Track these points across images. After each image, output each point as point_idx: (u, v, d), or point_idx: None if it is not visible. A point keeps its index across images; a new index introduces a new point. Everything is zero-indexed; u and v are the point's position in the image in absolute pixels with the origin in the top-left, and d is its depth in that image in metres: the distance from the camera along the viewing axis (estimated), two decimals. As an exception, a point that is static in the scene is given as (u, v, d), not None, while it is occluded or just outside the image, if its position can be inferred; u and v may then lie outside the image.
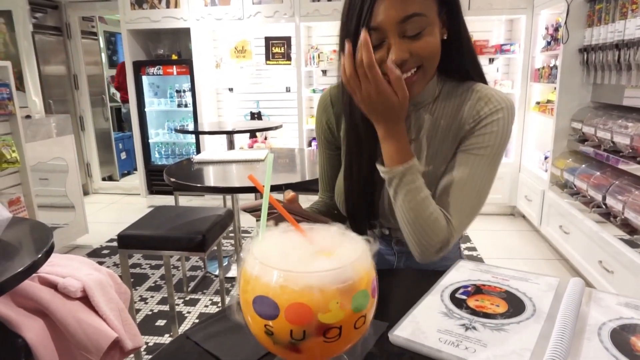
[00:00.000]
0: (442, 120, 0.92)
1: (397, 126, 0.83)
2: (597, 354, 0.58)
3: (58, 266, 1.43)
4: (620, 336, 0.62)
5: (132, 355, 1.89)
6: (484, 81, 0.93)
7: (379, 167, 0.87)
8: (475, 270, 0.85)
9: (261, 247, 0.54)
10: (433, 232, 0.84)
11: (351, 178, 0.96)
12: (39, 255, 1.11)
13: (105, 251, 3.34)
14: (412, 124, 0.94)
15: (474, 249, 3.24)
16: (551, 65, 3.33)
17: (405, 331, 0.66)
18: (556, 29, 3.28)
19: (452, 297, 0.75)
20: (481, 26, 3.96)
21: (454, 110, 0.91)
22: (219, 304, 2.51)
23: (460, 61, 0.90)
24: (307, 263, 0.51)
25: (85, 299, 1.37)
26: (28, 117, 3.12)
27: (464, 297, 0.74)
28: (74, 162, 3.39)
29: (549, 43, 3.41)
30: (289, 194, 0.84)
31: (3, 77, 2.62)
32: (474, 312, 0.69)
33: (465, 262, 0.89)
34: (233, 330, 0.72)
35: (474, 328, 0.65)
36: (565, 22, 2.85)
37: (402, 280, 0.88)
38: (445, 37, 0.86)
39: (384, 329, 0.68)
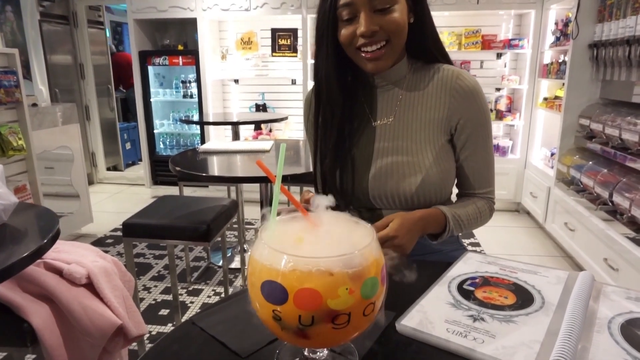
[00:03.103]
0: (417, 91, 1.01)
1: (411, 222, 0.90)
2: (607, 347, 0.58)
3: (63, 253, 1.43)
4: (630, 330, 0.61)
5: (135, 343, 1.89)
6: (450, 63, 1.04)
7: (441, 239, 0.98)
8: (482, 262, 0.85)
9: (270, 233, 0.53)
10: (486, 218, 1.05)
11: (326, 153, 1.03)
12: (45, 241, 1.11)
13: (109, 240, 3.36)
14: (388, 102, 1.03)
15: (477, 244, 3.23)
16: (560, 60, 3.30)
17: (412, 321, 0.65)
18: (566, 24, 3.25)
19: (460, 289, 0.74)
20: (490, 20, 3.92)
21: (427, 82, 1.00)
22: (222, 294, 2.52)
23: (425, 44, 1.00)
24: (316, 248, 0.51)
25: (90, 286, 1.38)
26: (34, 105, 3.12)
27: (471, 288, 0.74)
28: (79, 151, 3.39)
29: (558, 38, 3.37)
30: (308, 194, 0.94)
31: (10, 64, 2.62)
32: (482, 304, 0.69)
33: (472, 254, 0.89)
34: (239, 316, 0.72)
35: (482, 319, 0.65)
36: (576, 17, 2.82)
37: (409, 270, 0.88)
38: (412, 21, 0.96)
39: (391, 318, 0.68)
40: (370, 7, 0.89)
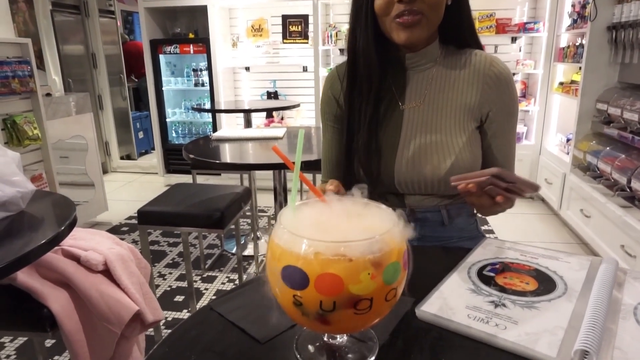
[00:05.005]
0: (448, 75, 0.99)
1: None
2: (635, 334, 0.56)
3: (80, 240, 1.45)
4: (657, 316, 0.60)
5: (151, 329, 1.92)
6: (482, 48, 1.02)
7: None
8: (502, 248, 0.83)
9: (290, 217, 0.52)
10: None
11: (359, 128, 1.00)
12: (62, 228, 1.12)
13: (124, 228, 3.40)
14: (418, 85, 1.00)
15: (491, 231, 3.20)
16: (577, 44, 3.22)
17: (432, 307, 0.65)
18: (583, 6, 3.16)
19: (480, 274, 0.73)
20: (504, 3, 3.84)
21: (459, 67, 0.99)
22: (236, 281, 2.54)
23: (459, 29, 0.99)
24: (337, 233, 0.50)
25: (107, 272, 1.39)
26: (48, 95, 3.15)
27: (492, 274, 0.73)
28: (93, 140, 3.42)
29: (575, 21, 3.29)
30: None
31: (24, 54, 2.63)
32: (502, 290, 0.68)
33: (491, 240, 0.87)
34: (257, 302, 0.72)
35: (504, 305, 0.64)
36: (594, -1, 2.74)
37: (427, 256, 0.87)
38: (449, 3, 0.93)
39: (410, 304, 0.67)
40: None
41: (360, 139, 0.99)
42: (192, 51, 4.24)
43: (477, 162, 0.98)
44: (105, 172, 4.89)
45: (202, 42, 4.17)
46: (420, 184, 0.97)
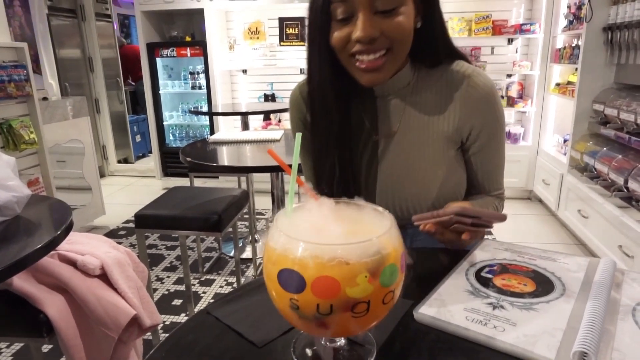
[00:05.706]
0: (423, 101, 0.90)
1: None
2: (632, 335, 0.56)
3: (77, 244, 1.44)
4: (655, 317, 0.60)
5: (149, 333, 1.91)
6: (461, 56, 0.92)
7: None
8: (499, 249, 0.83)
9: (286, 221, 0.52)
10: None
11: (322, 175, 0.92)
12: (58, 232, 1.12)
13: (121, 232, 3.38)
14: (391, 114, 0.91)
15: (489, 232, 3.20)
16: (573, 45, 3.23)
17: (430, 309, 0.64)
18: (579, 7, 3.18)
19: (478, 276, 0.73)
20: (500, 5, 3.85)
21: (433, 90, 0.90)
22: (234, 285, 2.53)
23: (431, 50, 0.88)
24: (334, 236, 0.50)
25: (104, 277, 1.38)
26: (45, 99, 3.14)
27: (489, 276, 0.73)
28: (90, 144, 3.41)
29: (571, 22, 3.31)
30: None
31: (20, 58, 2.63)
32: (501, 291, 0.68)
33: (489, 242, 0.87)
34: (255, 305, 0.71)
35: (502, 307, 0.63)
36: (589, 0, 2.75)
37: (424, 258, 0.87)
38: (419, 26, 0.83)
39: (408, 307, 0.67)
40: (370, 8, 0.74)
41: (325, 189, 0.91)
42: (189, 54, 4.24)
43: (461, 186, 0.95)
44: (102, 175, 4.88)
45: (199, 45, 4.17)
46: (404, 213, 0.93)
